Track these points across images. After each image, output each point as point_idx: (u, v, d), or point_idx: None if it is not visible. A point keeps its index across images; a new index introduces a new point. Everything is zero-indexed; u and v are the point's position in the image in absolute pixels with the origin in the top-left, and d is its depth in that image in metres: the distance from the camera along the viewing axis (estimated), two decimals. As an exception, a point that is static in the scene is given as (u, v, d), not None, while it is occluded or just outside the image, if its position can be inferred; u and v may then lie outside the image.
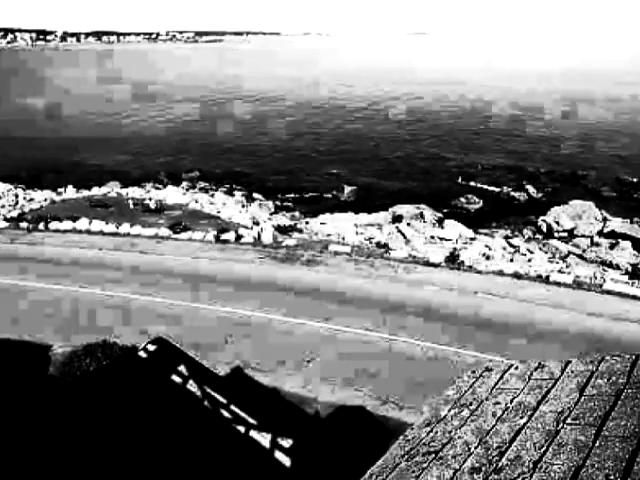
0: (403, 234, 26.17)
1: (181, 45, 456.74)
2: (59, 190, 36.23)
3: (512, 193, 36.74)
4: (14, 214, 29.38)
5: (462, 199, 35.57)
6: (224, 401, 7.53)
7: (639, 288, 19.05)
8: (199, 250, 23.53)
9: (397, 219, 30.41)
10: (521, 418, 2.60)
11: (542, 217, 30.59)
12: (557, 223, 29.42)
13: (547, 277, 20.03)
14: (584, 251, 25.24)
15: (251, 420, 7.33)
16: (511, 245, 25.23)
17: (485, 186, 39.25)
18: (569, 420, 2.40)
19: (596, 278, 20.06)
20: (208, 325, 16.94)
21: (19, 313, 17.74)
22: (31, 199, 33.70)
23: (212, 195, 36.26)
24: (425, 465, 2.54)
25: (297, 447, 7.18)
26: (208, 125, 67.57)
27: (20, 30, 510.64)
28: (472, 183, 40.44)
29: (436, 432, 2.86)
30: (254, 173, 44.78)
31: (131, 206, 30.14)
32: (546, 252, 24.50)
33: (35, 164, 46.89)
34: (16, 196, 34.39)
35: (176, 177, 41.95)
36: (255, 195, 37.53)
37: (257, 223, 27.92)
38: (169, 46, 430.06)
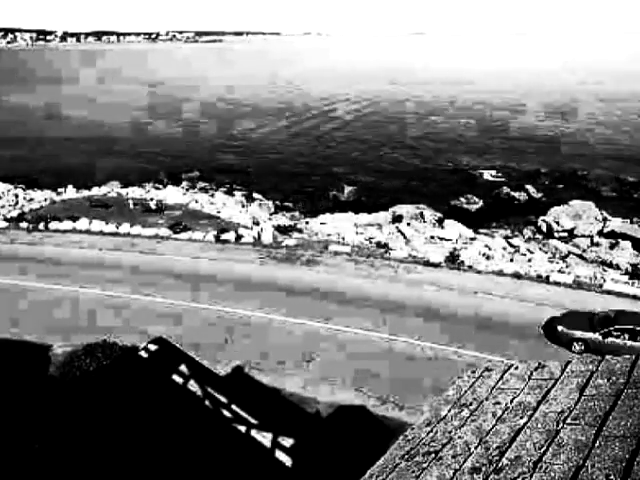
0: (403, 234, 26.16)
1: (181, 45, 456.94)
2: (59, 190, 36.22)
3: (512, 193, 36.73)
4: (14, 214, 29.38)
5: (462, 199, 35.55)
6: (225, 401, 7.53)
7: (639, 288, 19.06)
8: (199, 250, 23.53)
9: (397, 219, 30.39)
10: (521, 418, 2.60)
11: (542, 217, 30.57)
12: (557, 223, 29.40)
13: (547, 277, 20.02)
14: (584, 251, 25.23)
15: (252, 420, 7.34)
16: (511, 245, 25.22)
17: (485, 186, 39.25)
18: (569, 420, 2.40)
19: (596, 278, 20.06)
20: (208, 325, 16.95)
21: (19, 313, 17.75)
22: (31, 199, 33.70)
23: (212, 195, 36.25)
24: (425, 465, 2.54)
25: (298, 447, 7.18)
26: (208, 125, 67.55)
27: (20, 30, 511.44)
28: (472, 183, 40.44)
29: (436, 432, 2.86)
30: (254, 173, 44.79)
31: (131, 206, 30.12)
32: (546, 252, 24.49)
33: (35, 164, 46.90)
34: (16, 196, 34.38)
35: (176, 177, 41.94)
36: (255, 195, 37.51)
37: (257, 223, 27.90)
38: (169, 46, 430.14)
